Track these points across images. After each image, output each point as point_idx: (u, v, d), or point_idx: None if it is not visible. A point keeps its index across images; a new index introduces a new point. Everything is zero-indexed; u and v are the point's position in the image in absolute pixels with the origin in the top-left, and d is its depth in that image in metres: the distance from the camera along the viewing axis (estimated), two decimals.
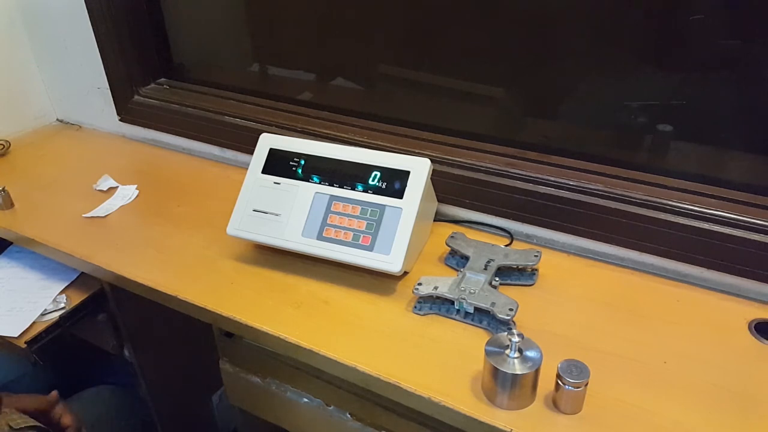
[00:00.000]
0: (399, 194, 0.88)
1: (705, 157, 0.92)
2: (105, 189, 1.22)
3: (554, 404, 0.68)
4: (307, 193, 0.93)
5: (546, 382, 0.69)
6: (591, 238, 0.96)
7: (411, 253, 0.88)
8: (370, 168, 0.91)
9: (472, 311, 0.81)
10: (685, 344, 0.78)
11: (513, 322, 0.78)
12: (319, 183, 0.94)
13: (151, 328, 1.18)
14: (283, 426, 1.00)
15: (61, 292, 1.09)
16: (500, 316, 0.77)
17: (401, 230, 0.86)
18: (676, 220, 0.89)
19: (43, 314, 1.04)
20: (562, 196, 0.96)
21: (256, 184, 0.97)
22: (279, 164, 0.97)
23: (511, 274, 0.90)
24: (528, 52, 1.00)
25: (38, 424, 0.48)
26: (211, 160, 1.34)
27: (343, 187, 0.92)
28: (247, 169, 0.98)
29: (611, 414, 0.68)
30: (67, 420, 0.99)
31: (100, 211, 1.14)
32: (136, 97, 1.40)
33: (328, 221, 0.91)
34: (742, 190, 0.88)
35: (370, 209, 0.89)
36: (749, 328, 0.81)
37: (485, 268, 0.87)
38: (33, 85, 1.52)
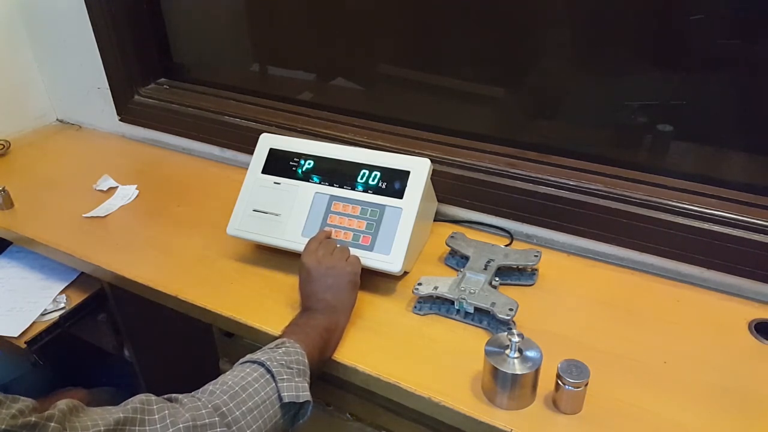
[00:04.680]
0: (399, 194, 0.88)
1: (705, 157, 0.92)
2: (105, 189, 1.22)
3: (554, 404, 0.68)
4: (307, 193, 0.93)
5: (546, 382, 0.69)
6: (591, 238, 0.96)
7: (411, 253, 0.88)
8: (371, 168, 0.91)
9: (472, 311, 0.81)
10: (685, 344, 0.78)
11: (513, 322, 0.78)
12: (319, 183, 0.94)
13: (151, 328, 1.18)
14: None
15: (61, 292, 1.09)
16: (500, 316, 0.77)
17: (401, 230, 0.86)
18: (676, 220, 0.89)
19: (43, 314, 1.04)
20: (562, 196, 0.96)
21: (256, 184, 0.97)
22: (279, 164, 0.97)
23: (511, 274, 0.90)
24: (528, 52, 1.00)
25: (31, 419, 0.49)
26: (211, 160, 1.34)
27: (343, 187, 0.92)
28: (247, 169, 0.98)
29: (611, 414, 0.68)
30: None
31: (100, 211, 1.14)
32: (136, 97, 1.40)
33: (328, 221, 0.91)
34: (742, 190, 0.88)
35: (370, 209, 0.89)
36: (749, 328, 0.81)
37: (485, 268, 0.87)
38: (33, 85, 1.52)
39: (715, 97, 0.87)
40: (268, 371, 0.65)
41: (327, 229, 0.90)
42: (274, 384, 0.65)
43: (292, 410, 0.67)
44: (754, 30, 0.81)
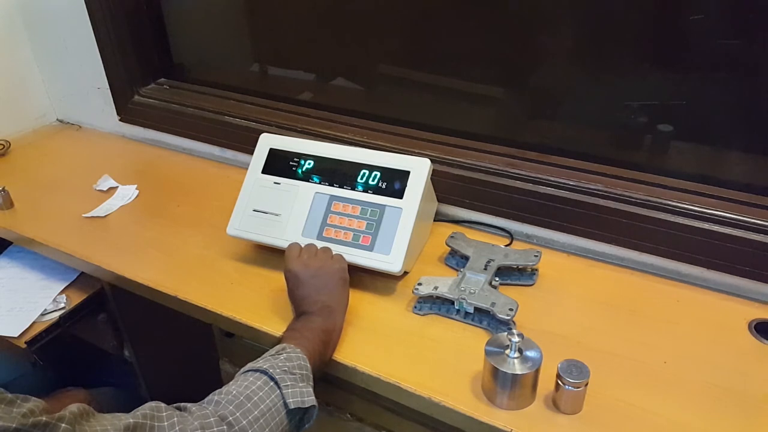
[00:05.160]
0: (399, 194, 0.88)
1: (705, 157, 0.92)
2: (105, 189, 1.22)
3: (554, 404, 0.68)
4: (307, 193, 0.93)
5: (546, 382, 0.69)
6: (591, 238, 0.96)
7: (411, 253, 0.88)
8: (371, 168, 0.91)
9: (472, 311, 0.81)
10: (685, 344, 0.78)
11: (513, 322, 0.78)
12: (319, 183, 0.94)
13: (151, 328, 1.18)
14: None
15: (61, 292, 1.09)
16: (500, 316, 0.77)
17: (401, 230, 0.86)
18: (676, 220, 0.89)
19: (43, 314, 1.04)
20: (562, 196, 0.96)
21: (256, 184, 0.97)
22: (279, 164, 0.97)
23: (511, 274, 0.90)
24: (528, 52, 1.00)
25: (42, 419, 0.50)
26: (211, 160, 1.34)
27: (343, 187, 0.92)
28: (247, 169, 0.98)
29: (611, 414, 0.68)
30: None
31: (100, 211, 1.14)
32: (136, 97, 1.40)
33: (328, 221, 0.91)
34: (742, 190, 0.88)
35: (370, 209, 0.89)
36: (749, 328, 0.81)
37: (485, 268, 0.87)
38: (33, 85, 1.52)
39: (715, 97, 0.87)
40: (272, 379, 0.65)
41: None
42: (278, 391, 0.65)
43: (297, 416, 0.67)
44: (754, 30, 0.81)
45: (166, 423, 0.58)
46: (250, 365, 0.68)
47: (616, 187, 0.93)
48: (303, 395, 0.65)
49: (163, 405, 0.60)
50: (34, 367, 1.09)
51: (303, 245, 0.86)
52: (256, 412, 0.62)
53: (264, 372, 0.66)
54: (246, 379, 0.66)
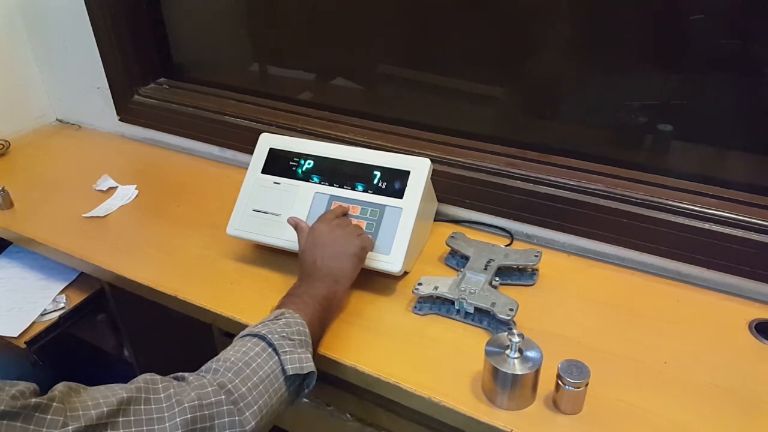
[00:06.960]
0: (399, 194, 0.88)
1: (705, 157, 0.92)
2: (105, 189, 1.22)
3: (554, 404, 0.68)
4: (307, 193, 0.93)
5: (546, 382, 0.69)
6: (591, 238, 0.96)
7: (411, 253, 0.88)
8: (371, 168, 0.91)
9: (472, 311, 0.81)
10: (685, 344, 0.78)
11: (513, 322, 0.78)
12: (319, 183, 0.94)
13: (151, 328, 1.17)
14: (282, 426, 1.00)
15: (61, 292, 1.09)
16: (500, 316, 0.77)
17: (401, 230, 0.86)
18: (676, 220, 0.89)
19: (43, 314, 1.04)
20: (562, 196, 0.96)
21: (256, 184, 0.97)
22: (279, 164, 0.97)
23: (511, 274, 0.90)
24: (528, 51, 1.00)
25: (31, 401, 0.50)
26: (211, 160, 1.34)
27: (343, 187, 0.92)
28: (247, 169, 0.98)
29: (611, 414, 0.68)
30: None
31: (100, 211, 1.14)
32: (135, 97, 1.40)
33: None
34: (742, 190, 0.88)
35: (370, 209, 0.89)
36: (749, 328, 0.81)
37: (485, 268, 0.87)
38: (33, 85, 1.52)
39: (715, 97, 0.87)
40: (270, 345, 0.65)
41: (344, 204, 0.90)
42: (276, 357, 0.64)
43: (296, 382, 0.67)
44: (754, 30, 0.81)
45: (162, 394, 0.57)
46: (248, 329, 0.68)
47: (616, 187, 0.93)
48: (302, 361, 0.65)
49: (158, 377, 0.59)
50: (34, 367, 1.09)
51: (339, 213, 0.87)
52: (255, 379, 0.62)
53: (262, 337, 0.66)
54: (244, 345, 0.65)
